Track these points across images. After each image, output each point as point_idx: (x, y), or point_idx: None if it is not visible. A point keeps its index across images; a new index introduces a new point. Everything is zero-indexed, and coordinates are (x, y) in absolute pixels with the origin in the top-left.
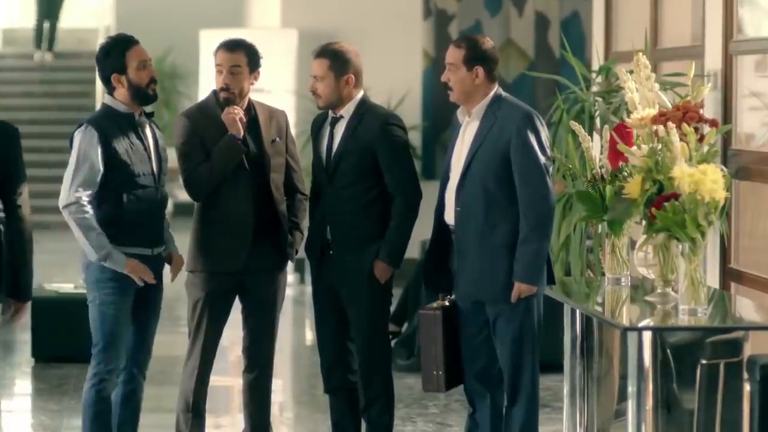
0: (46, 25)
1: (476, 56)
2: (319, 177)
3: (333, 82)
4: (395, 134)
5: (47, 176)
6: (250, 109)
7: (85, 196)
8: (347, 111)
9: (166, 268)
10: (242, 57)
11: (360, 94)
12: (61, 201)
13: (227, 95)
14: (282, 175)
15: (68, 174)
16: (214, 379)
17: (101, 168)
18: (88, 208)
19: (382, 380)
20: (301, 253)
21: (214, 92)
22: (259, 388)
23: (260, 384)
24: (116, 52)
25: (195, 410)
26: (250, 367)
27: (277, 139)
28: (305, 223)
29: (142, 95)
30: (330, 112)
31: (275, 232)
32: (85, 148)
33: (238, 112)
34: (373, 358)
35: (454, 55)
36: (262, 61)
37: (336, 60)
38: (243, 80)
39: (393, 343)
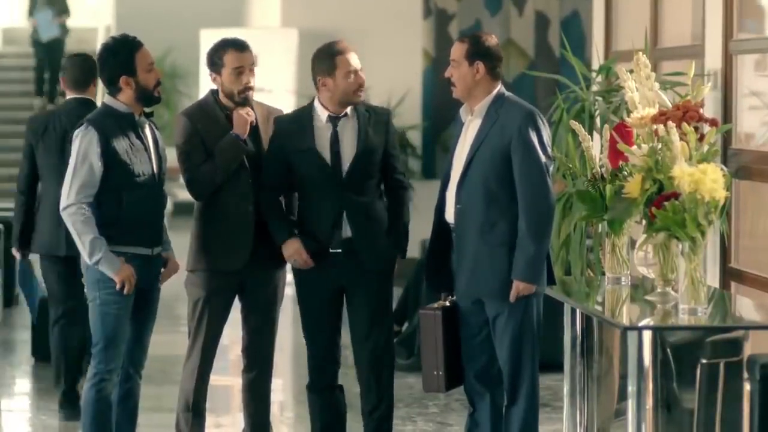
0: (47, 75)
1: (478, 52)
2: (325, 175)
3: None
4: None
5: None
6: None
7: (84, 198)
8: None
9: None
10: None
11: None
12: (62, 202)
13: (248, 95)
14: None
15: (68, 176)
16: (214, 379)
17: (101, 168)
18: (86, 210)
19: (386, 380)
20: None
21: (213, 92)
22: (258, 387)
23: (260, 383)
24: (124, 54)
25: (195, 409)
26: (250, 367)
27: None
28: None
29: (148, 97)
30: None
31: None
32: (84, 149)
33: (252, 115)
34: (379, 357)
35: (457, 50)
36: (257, 60)
37: None
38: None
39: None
